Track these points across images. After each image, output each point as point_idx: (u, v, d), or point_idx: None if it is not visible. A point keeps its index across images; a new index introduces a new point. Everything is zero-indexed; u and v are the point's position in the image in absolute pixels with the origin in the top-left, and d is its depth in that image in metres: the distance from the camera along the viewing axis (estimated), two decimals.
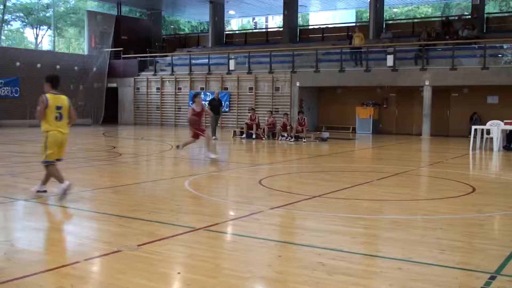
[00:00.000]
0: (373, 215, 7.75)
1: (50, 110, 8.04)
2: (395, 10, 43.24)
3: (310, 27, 41.04)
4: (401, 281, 4.84)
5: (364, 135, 25.92)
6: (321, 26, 38.03)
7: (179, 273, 5.06)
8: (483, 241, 6.35)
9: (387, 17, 35.44)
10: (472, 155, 17.25)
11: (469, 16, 29.58)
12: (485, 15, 30.31)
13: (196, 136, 14.63)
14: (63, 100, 8.24)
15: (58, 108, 8.11)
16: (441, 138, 24.26)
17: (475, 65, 24.05)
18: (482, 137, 18.60)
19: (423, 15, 42.99)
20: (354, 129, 27.72)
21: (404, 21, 38.53)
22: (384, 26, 32.34)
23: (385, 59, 25.72)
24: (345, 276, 4.89)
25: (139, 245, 5.71)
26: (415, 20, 36.86)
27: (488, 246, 6.08)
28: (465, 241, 6.36)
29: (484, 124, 19.23)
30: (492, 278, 4.88)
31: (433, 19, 35.52)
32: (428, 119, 24.97)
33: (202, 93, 29.22)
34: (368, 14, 33.71)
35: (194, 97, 15.09)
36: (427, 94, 24.80)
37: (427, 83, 24.65)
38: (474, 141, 18.38)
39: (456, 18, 29.99)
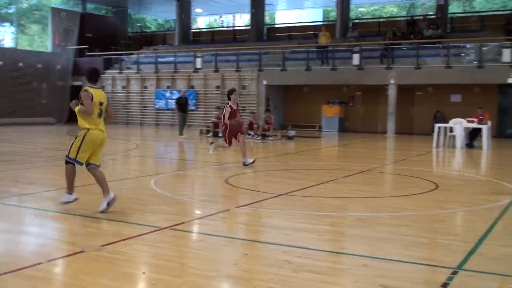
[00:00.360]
0: (339, 212, 7.80)
1: (95, 106, 7.17)
2: (361, 9, 43.64)
3: (277, 25, 41.09)
4: (366, 277, 4.88)
5: (330, 133, 26.11)
6: (288, 25, 38.15)
7: (144, 273, 5.00)
8: (446, 237, 6.45)
9: (354, 17, 35.73)
10: (435, 152, 17.52)
11: (434, 16, 30.05)
12: (449, 15, 30.82)
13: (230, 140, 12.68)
14: (104, 95, 7.46)
15: (101, 104, 7.28)
16: (405, 136, 24.59)
17: (439, 64, 24.44)
18: (445, 135, 18.91)
19: (389, 15, 43.50)
20: (320, 127, 27.89)
21: (370, 20, 38.95)
22: (350, 25, 32.61)
23: (351, 58, 25.95)
24: (311, 274, 4.90)
25: (103, 245, 5.62)
26: (381, 20, 37.26)
27: (451, 242, 6.18)
28: (429, 237, 6.45)
29: (447, 122, 19.56)
30: (454, 273, 4.95)
31: (398, 18, 35.99)
32: (393, 117, 25.28)
33: (169, 92, 28.99)
34: (335, 13, 33.94)
35: (231, 93, 12.76)
36: (392, 92, 25.10)
37: (392, 81, 24.95)
38: (438, 139, 18.68)
39: (421, 18, 30.41)
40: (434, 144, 18.49)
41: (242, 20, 50.98)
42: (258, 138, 21.44)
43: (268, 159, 15.73)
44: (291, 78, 27.36)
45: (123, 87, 32.95)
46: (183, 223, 6.81)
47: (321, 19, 41.15)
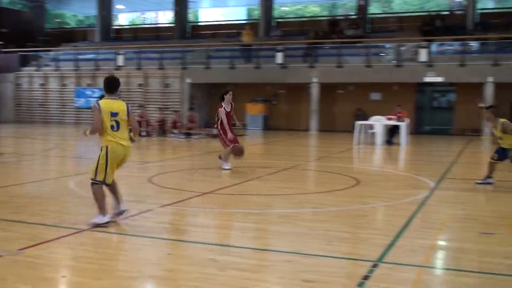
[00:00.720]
0: (263, 209, 7.85)
1: (105, 118, 6.48)
2: (284, 8, 44.12)
3: (201, 23, 40.91)
4: (290, 273, 4.93)
5: (254, 131, 26.26)
6: (213, 23, 38.04)
7: (64, 276, 4.85)
8: (367, 231, 6.63)
9: (277, 15, 36.04)
10: (356, 149, 17.98)
11: (355, 16, 30.81)
12: (369, 16, 31.68)
13: (228, 144, 11.78)
14: (120, 105, 6.66)
15: (114, 115, 6.54)
16: (328, 133, 25.09)
17: (360, 63, 25.07)
18: (366, 132, 19.44)
19: (311, 14, 44.23)
20: (245, 125, 27.99)
21: (293, 19, 39.44)
22: (274, 24, 32.91)
23: (275, 56, 26.20)
24: (236, 271, 4.91)
25: (20, 249, 5.40)
26: (304, 19, 37.84)
27: (372, 235, 6.35)
28: (351, 232, 6.60)
29: (368, 119, 20.11)
30: (375, 266, 5.10)
31: (320, 18, 36.63)
32: (316, 115, 25.74)
33: (90, 90, 28.19)
34: (258, 12, 34.15)
35: (225, 93, 12.25)
36: (315, 91, 25.54)
37: (315, 80, 25.39)
38: (359, 136, 19.17)
39: (342, 18, 31.12)
40: (355, 141, 18.97)
41: (166, 17, 50.38)
42: (182, 137, 21.27)
43: (192, 157, 15.62)
44: (215, 76, 27.29)
45: (41, 84, 31.76)
46: (106, 223, 6.64)
47: (245, 18, 41.29)
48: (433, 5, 35.32)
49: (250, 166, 12.57)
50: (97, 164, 6.52)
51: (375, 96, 26.27)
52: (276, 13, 34.96)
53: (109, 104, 6.55)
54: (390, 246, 5.80)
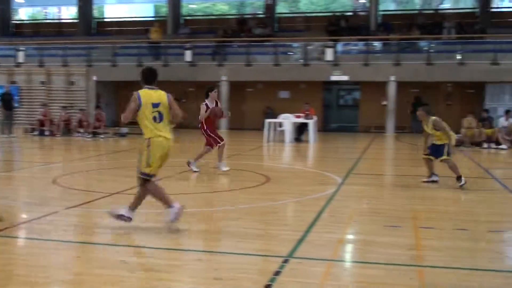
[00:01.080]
0: None
1: (147, 110, 6.34)
2: (192, 6, 43.88)
3: (106, 19, 39.82)
4: (202, 272, 4.92)
5: None
6: (119, 19, 37.17)
7: None
8: (277, 227, 6.72)
9: (185, 13, 35.74)
10: (266, 147, 18.20)
11: (262, 15, 31.13)
12: (277, 15, 32.09)
13: (211, 144, 11.52)
14: (161, 96, 6.56)
15: (155, 105, 6.40)
16: (237, 132, 25.21)
17: (268, 62, 25.37)
18: (275, 130, 19.71)
19: (220, 13, 44.27)
20: None
21: (202, 17, 39.26)
22: (182, 22, 32.64)
23: (184, 54, 26.00)
24: (147, 272, 4.84)
25: None
26: (212, 17, 37.75)
27: (282, 231, 6.45)
28: (262, 229, 6.67)
29: (277, 117, 20.40)
30: (286, 261, 5.18)
31: (229, 16, 36.69)
32: (225, 113, 25.77)
33: None
34: (166, 9, 33.73)
35: (210, 90, 11.97)
36: (224, 89, 25.58)
37: (224, 78, 25.44)
38: (268, 134, 19.40)
39: (251, 16, 31.35)
40: (265, 139, 19.18)
41: (69, 12, 48.75)
42: (89, 136, 20.65)
43: (99, 157, 15.23)
44: (122, 74, 26.67)
45: None
46: (6, 228, 6.32)
47: (152, 14, 40.68)
48: (338, 5, 36.28)
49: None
50: (142, 157, 6.28)
51: (284, 94, 26.70)
52: (184, 10, 34.69)
53: (148, 95, 6.39)
54: (300, 241, 5.91)
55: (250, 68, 25.18)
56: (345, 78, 24.08)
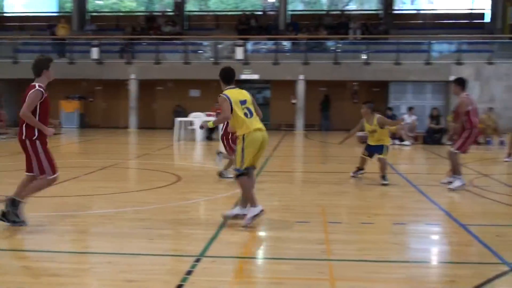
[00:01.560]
0: (81, 211, 7.50)
1: (237, 107, 6.47)
2: (99, 2, 42.73)
3: (6, 14, 37.98)
4: (111, 274, 4.77)
5: (70, 130, 25.08)
6: (20, 15, 35.55)
7: None
8: (189, 226, 6.65)
9: (91, 9, 34.73)
10: (177, 146, 18.02)
11: (172, 13, 30.81)
12: (186, 13, 31.86)
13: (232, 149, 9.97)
14: (244, 93, 6.70)
15: (243, 102, 6.54)
16: (148, 131, 24.82)
17: (178, 60, 25.16)
18: (185, 129, 19.56)
19: (127, 9, 43.38)
20: (60, 123, 26.62)
21: (109, 14, 38.29)
22: (88, 18, 31.68)
23: (90, 51, 25.24)
24: (53, 277, 4.63)
25: None
26: (120, 14, 36.95)
27: (194, 231, 6.39)
28: (173, 229, 6.57)
29: (188, 116, 20.26)
30: (198, 260, 5.13)
31: (137, 13, 36.02)
32: (135, 112, 25.30)
33: None
34: (71, 5, 32.61)
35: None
36: (133, 87, 25.11)
37: (133, 76, 24.95)
38: (179, 133, 19.22)
39: (160, 14, 30.94)
40: (175, 138, 18.99)
41: None
42: None
43: (0, 159, 14.47)
44: (24, 72, 25.39)
45: None
46: None
47: (56, 10, 39.21)
48: (247, 4, 36.53)
49: (66, 167, 11.95)
50: (237, 156, 6.55)
51: (194, 92, 26.58)
52: (90, 6, 33.72)
53: (234, 94, 6.57)
54: (212, 240, 5.88)
55: (159, 66, 24.86)
56: (255, 76, 24.30)
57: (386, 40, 26.42)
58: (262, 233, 6.51)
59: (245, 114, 6.55)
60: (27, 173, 6.52)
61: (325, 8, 35.06)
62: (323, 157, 16.16)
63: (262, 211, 6.49)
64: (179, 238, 6.22)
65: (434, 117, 19.08)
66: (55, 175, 6.48)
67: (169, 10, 31.84)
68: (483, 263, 5.31)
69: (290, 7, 30.70)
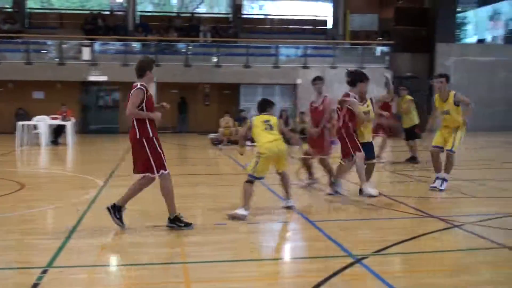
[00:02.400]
0: None
1: (259, 123, 7.47)
2: None
3: None
4: None
5: None
6: None
7: None
8: (35, 236, 6.27)
9: None
10: (20, 151, 16.93)
11: (11, 10, 28.90)
12: (27, 10, 30.05)
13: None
14: (272, 118, 7.61)
15: (266, 121, 7.45)
16: None
17: (19, 60, 23.70)
18: (29, 133, 18.46)
19: None
20: None
21: None
22: None
23: None
24: None
25: None
26: None
27: (40, 240, 6.03)
28: (17, 239, 6.16)
29: (31, 119, 19.13)
30: (45, 272, 4.85)
31: None
32: None
33: None
34: None
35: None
36: None
37: None
38: (22, 137, 18.08)
39: None
40: (18, 143, 17.82)
41: None
42: None
43: None
44: None
45: None
46: None
47: None
48: (94, 4, 35.28)
49: None
50: (252, 163, 7.28)
51: (38, 94, 25.13)
52: None
53: (260, 117, 7.61)
54: (60, 249, 5.58)
55: None
56: (103, 78, 23.60)
57: (235, 43, 26.96)
58: (114, 240, 6.29)
59: (265, 128, 7.45)
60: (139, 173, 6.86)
61: (175, 10, 34.94)
62: (179, 159, 16.06)
63: (248, 214, 7.11)
64: (24, 248, 5.83)
65: (284, 120, 19.79)
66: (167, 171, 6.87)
67: (8, 6, 29.79)
68: (331, 256, 5.59)
69: (139, 7, 30.21)
